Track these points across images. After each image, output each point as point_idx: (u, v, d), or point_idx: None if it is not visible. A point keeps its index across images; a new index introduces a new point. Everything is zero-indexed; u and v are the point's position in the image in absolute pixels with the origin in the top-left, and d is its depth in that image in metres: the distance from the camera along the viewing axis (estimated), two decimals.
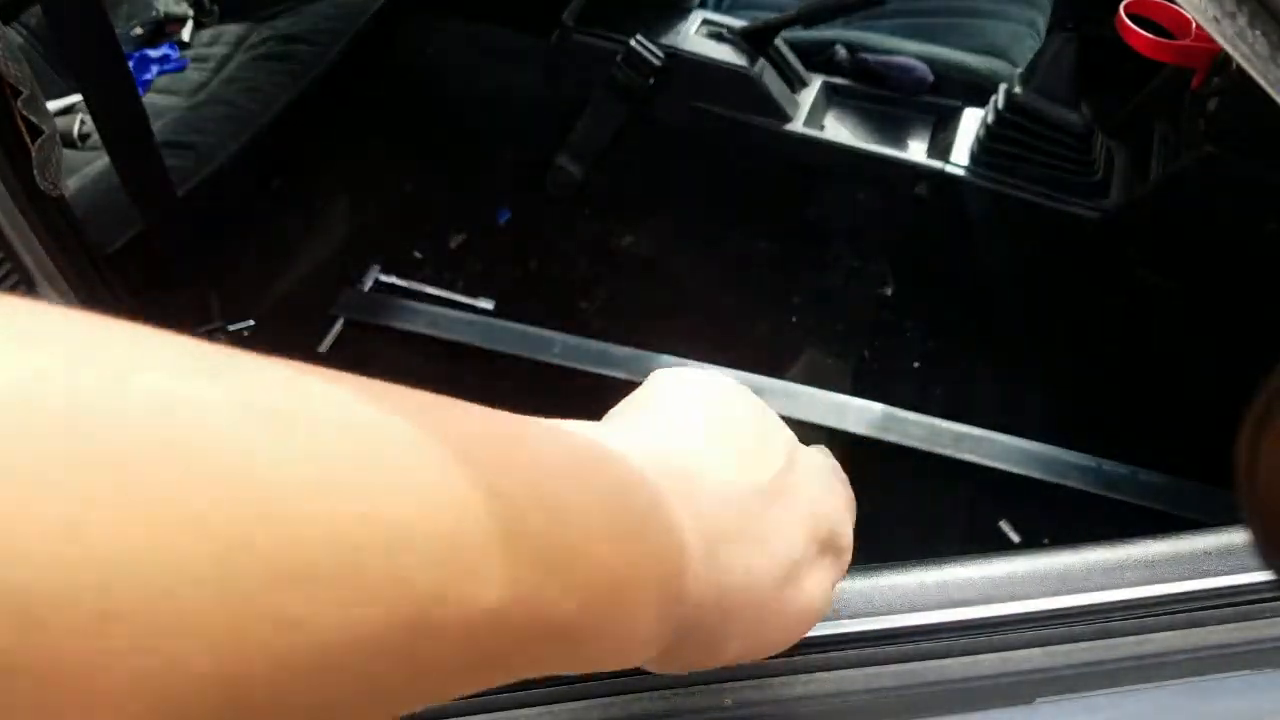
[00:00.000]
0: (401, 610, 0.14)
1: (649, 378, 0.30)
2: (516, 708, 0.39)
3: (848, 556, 0.31)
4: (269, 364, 0.14)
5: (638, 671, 0.41)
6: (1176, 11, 0.98)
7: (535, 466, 0.19)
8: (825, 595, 0.29)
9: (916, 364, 1.11)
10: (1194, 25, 0.97)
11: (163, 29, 1.30)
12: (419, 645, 0.15)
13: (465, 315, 1.16)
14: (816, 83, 1.18)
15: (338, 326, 1.16)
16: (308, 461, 0.13)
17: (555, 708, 0.40)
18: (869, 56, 1.16)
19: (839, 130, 1.16)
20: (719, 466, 0.25)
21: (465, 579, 0.15)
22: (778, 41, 1.14)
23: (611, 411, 0.27)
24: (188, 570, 0.12)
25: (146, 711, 0.11)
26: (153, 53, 1.27)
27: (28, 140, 0.75)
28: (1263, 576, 0.41)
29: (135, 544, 0.11)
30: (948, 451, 0.99)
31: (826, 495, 0.31)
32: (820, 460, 0.33)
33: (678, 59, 1.13)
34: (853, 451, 1.02)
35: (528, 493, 0.18)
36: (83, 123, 1.12)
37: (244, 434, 0.13)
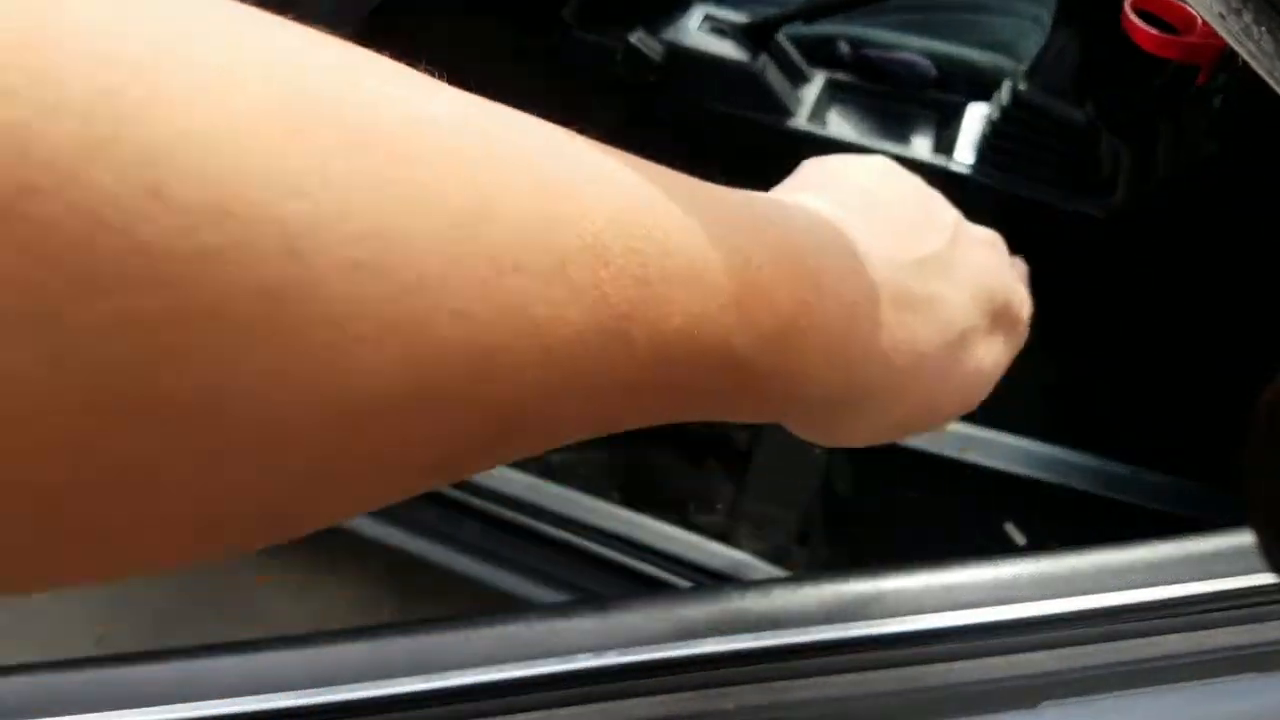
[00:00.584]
0: (598, 317, 0.16)
1: (800, 166, 0.32)
2: (517, 712, 0.39)
3: (1023, 329, 0.32)
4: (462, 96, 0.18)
5: (640, 674, 0.40)
6: (1182, 8, 0.97)
7: (721, 207, 0.21)
8: (997, 364, 0.32)
9: None
10: (1199, 21, 0.96)
11: None
12: (610, 353, 0.17)
13: None
14: (819, 78, 1.17)
15: None
16: (525, 171, 0.16)
17: (553, 712, 0.40)
18: (872, 52, 1.16)
19: (842, 126, 1.15)
20: (882, 238, 0.26)
21: (656, 302, 0.17)
22: (780, 37, 1.14)
23: (766, 194, 0.28)
24: (431, 242, 0.13)
25: (397, 360, 0.13)
26: None
27: None
28: (1270, 578, 0.41)
29: (390, 215, 0.13)
30: (952, 453, 0.98)
31: (995, 269, 0.33)
32: (987, 235, 0.35)
33: (679, 55, 1.13)
34: (855, 453, 1.02)
35: (715, 233, 0.19)
36: None
37: (472, 143, 0.16)
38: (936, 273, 0.27)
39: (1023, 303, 0.33)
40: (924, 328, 0.26)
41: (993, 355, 0.30)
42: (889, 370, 0.25)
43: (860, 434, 0.28)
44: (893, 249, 0.26)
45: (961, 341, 0.28)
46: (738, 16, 1.14)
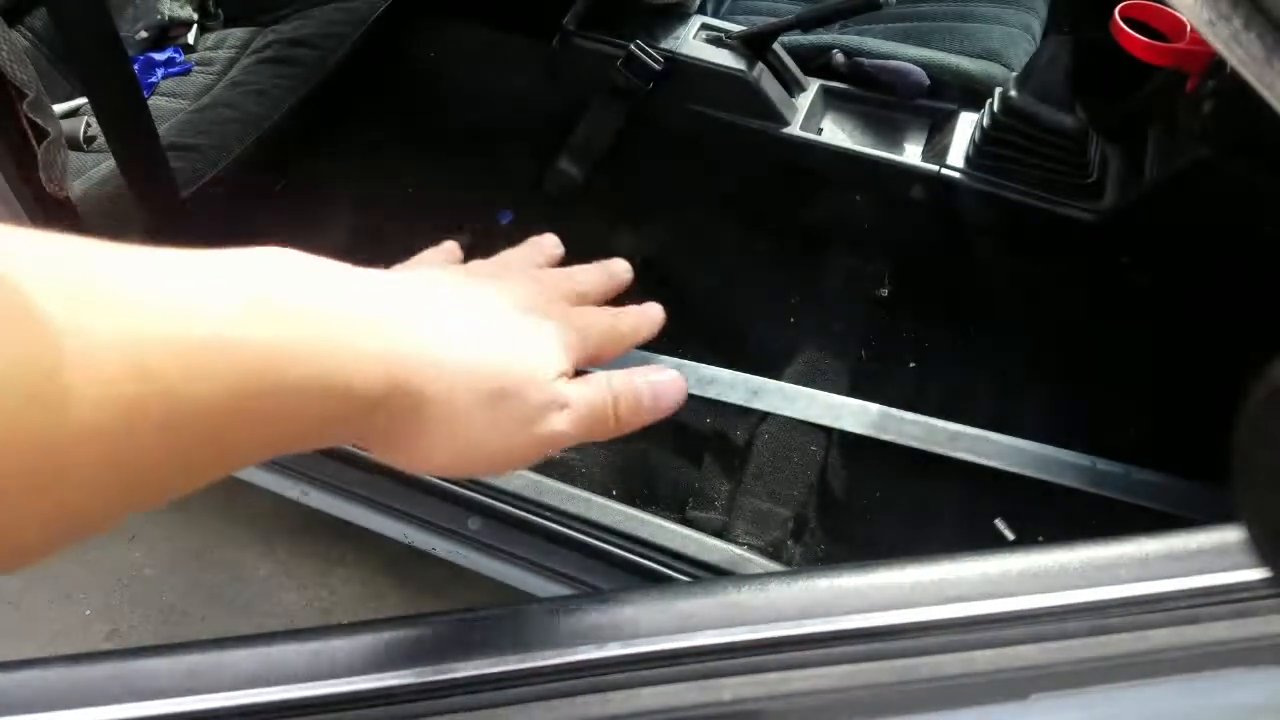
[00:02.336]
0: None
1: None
2: (520, 703, 0.40)
3: (578, 409, 0.32)
4: None
5: (637, 666, 0.41)
6: (1172, 15, 0.98)
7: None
8: (535, 438, 0.31)
9: (913, 364, 1.11)
10: (1189, 29, 0.98)
11: (167, 33, 1.31)
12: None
13: None
14: (814, 87, 1.18)
15: None
16: None
17: (555, 703, 0.40)
18: (866, 61, 1.17)
19: (836, 134, 1.16)
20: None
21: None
22: (776, 46, 1.15)
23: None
24: None
25: None
26: (158, 56, 1.27)
27: (33, 143, 0.75)
28: (1257, 574, 0.42)
29: None
30: (943, 450, 0.99)
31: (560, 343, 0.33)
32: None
33: (677, 63, 1.14)
34: (850, 451, 1.03)
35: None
36: (88, 125, 1.13)
37: None
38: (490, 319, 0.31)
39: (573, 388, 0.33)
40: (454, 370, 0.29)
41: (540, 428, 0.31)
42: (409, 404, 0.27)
43: (391, 457, 0.30)
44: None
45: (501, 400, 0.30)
46: (735, 26, 1.15)
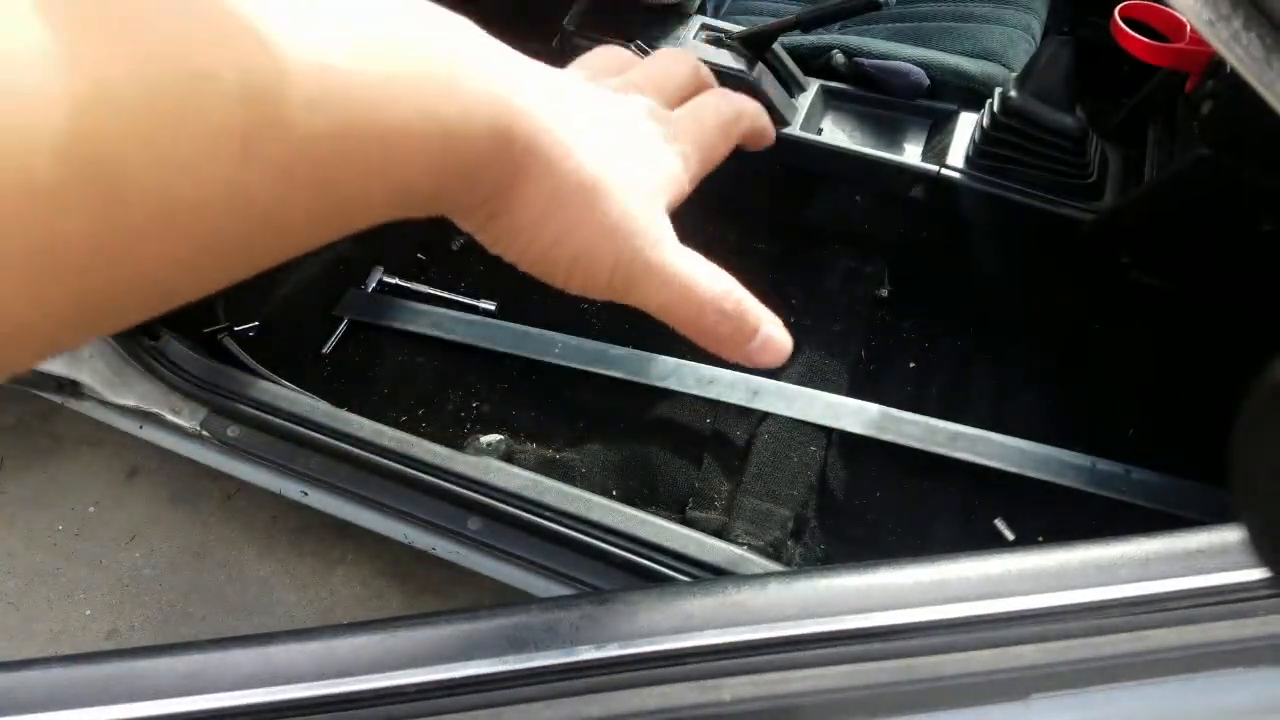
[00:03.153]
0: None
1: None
2: (521, 702, 0.40)
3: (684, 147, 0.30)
4: None
5: (636, 666, 0.41)
6: (1171, 15, 0.99)
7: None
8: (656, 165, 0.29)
9: (912, 364, 1.11)
10: (1188, 29, 0.98)
11: None
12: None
13: (468, 316, 1.16)
14: (814, 87, 1.18)
15: (342, 327, 1.16)
16: None
17: (555, 703, 0.40)
18: (866, 61, 1.17)
19: (836, 134, 1.16)
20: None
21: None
22: (776, 47, 1.15)
23: None
24: None
25: None
26: None
27: None
28: (1257, 574, 0.42)
29: None
30: (943, 450, 0.99)
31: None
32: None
33: None
34: (849, 451, 1.03)
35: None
36: None
37: None
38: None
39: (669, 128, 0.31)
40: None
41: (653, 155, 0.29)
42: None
43: (502, 242, 0.27)
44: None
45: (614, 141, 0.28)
46: (735, 26, 1.15)
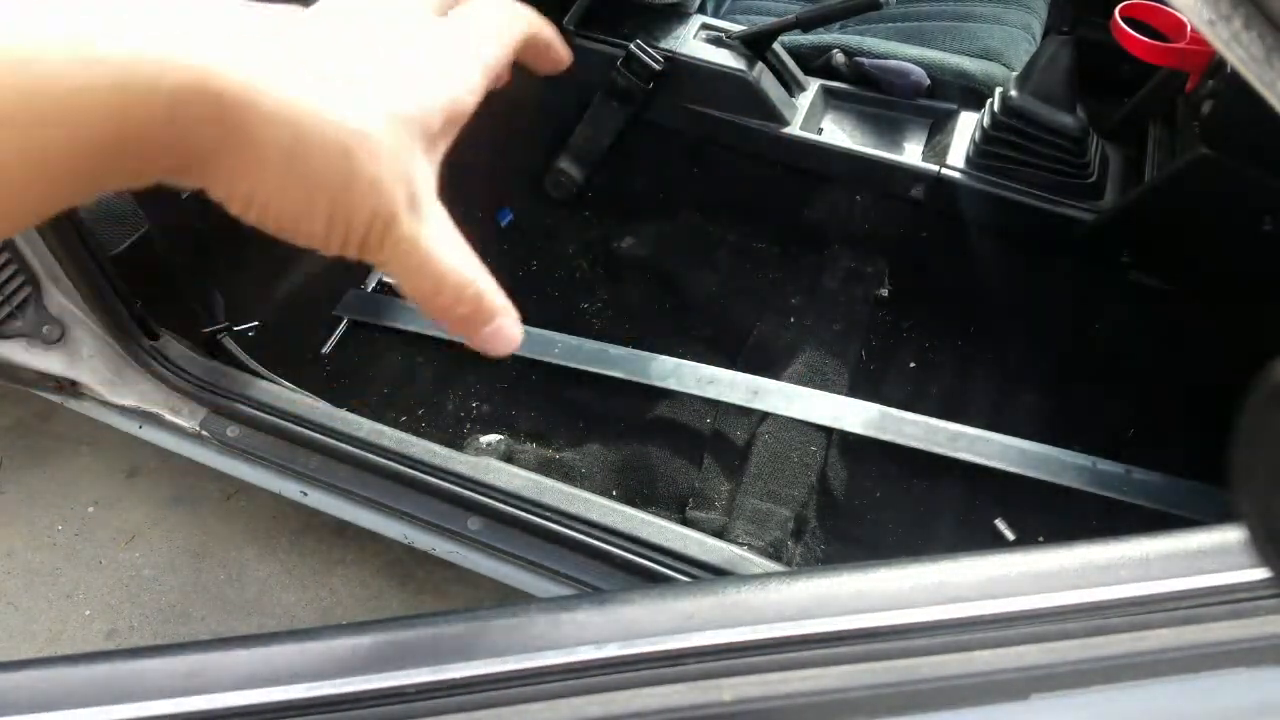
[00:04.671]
0: None
1: None
2: (521, 703, 0.40)
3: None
4: None
5: (636, 666, 0.41)
6: (1171, 15, 0.99)
7: None
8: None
9: (912, 364, 1.11)
10: (1189, 29, 0.98)
11: None
12: None
13: None
14: (814, 87, 1.18)
15: (342, 327, 1.16)
16: None
17: (555, 703, 0.40)
18: (866, 61, 1.17)
19: (836, 134, 1.16)
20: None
21: None
22: (776, 46, 1.15)
23: None
24: None
25: None
26: None
27: None
28: (1257, 574, 0.41)
29: None
30: (943, 450, 0.99)
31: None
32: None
33: (677, 63, 1.14)
34: (850, 451, 1.03)
35: None
36: None
37: None
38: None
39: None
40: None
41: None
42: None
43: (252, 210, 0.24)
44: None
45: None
46: (735, 26, 1.15)
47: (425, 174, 0.26)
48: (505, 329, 0.29)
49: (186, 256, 1.05)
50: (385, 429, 0.92)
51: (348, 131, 0.24)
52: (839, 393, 1.05)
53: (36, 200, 0.21)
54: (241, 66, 0.22)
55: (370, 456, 0.90)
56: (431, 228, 0.27)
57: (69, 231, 0.88)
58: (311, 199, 0.24)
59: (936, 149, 1.12)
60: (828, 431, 1.02)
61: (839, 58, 1.19)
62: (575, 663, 0.41)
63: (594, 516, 0.84)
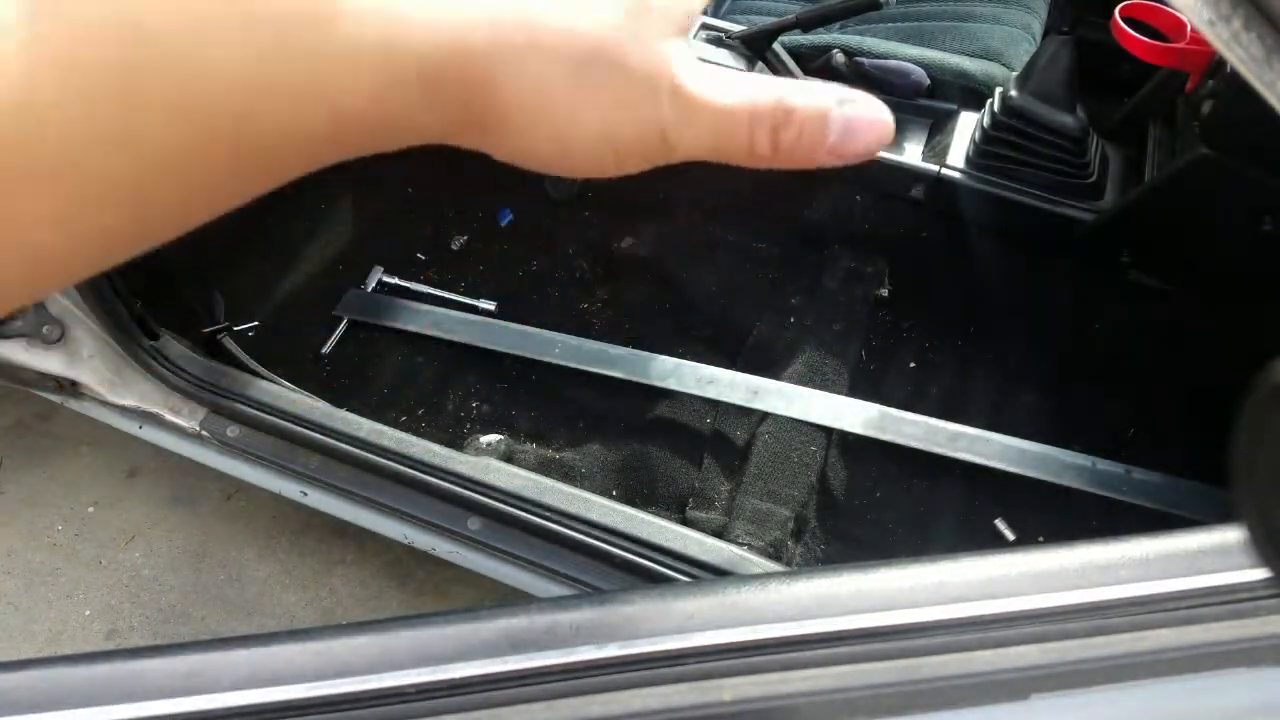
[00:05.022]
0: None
1: None
2: (521, 703, 0.40)
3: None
4: None
5: (636, 666, 0.41)
6: (1171, 15, 0.99)
7: None
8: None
9: (912, 364, 1.11)
10: (1189, 29, 0.98)
11: None
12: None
13: (467, 316, 1.16)
14: None
15: (342, 327, 1.16)
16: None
17: (555, 703, 0.40)
18: (866, 61, 1.17)
19: None
20: None
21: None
22: (776, 46, 1.15)
23: None
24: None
25: None
26: None
27: None
28: (1257, 574, 0.42)
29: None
30: (943, 451, 0.99)
31: None
32: None
33: None
34: (850, 451, 1.03)
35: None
36: None
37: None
38: None
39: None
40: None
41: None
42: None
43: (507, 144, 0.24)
44: None
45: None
46: (735, 26, 1.15)
47: (679, 54, 0.24)
48: (855, 119, 0.25)
49: (186, 256, 1.05)
50: (385, 429, 0.92)
51: (594, 45, 0.23)
52: (839, 393, 1.05)
53: (303, 158, 0.21)
54: (471, 40, 0.22)
55: (370, 456, 0.90)
56: (711, 86, 0.24)
57: None
58: (574, 124, 0.23)
59: (936, 149, 1.12)
60: (828, 431, 1.02)
61: (839, 58, 1.19)
62: (575, 663, 0.41)
63: (594, 516, 0.84)
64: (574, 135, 0.23)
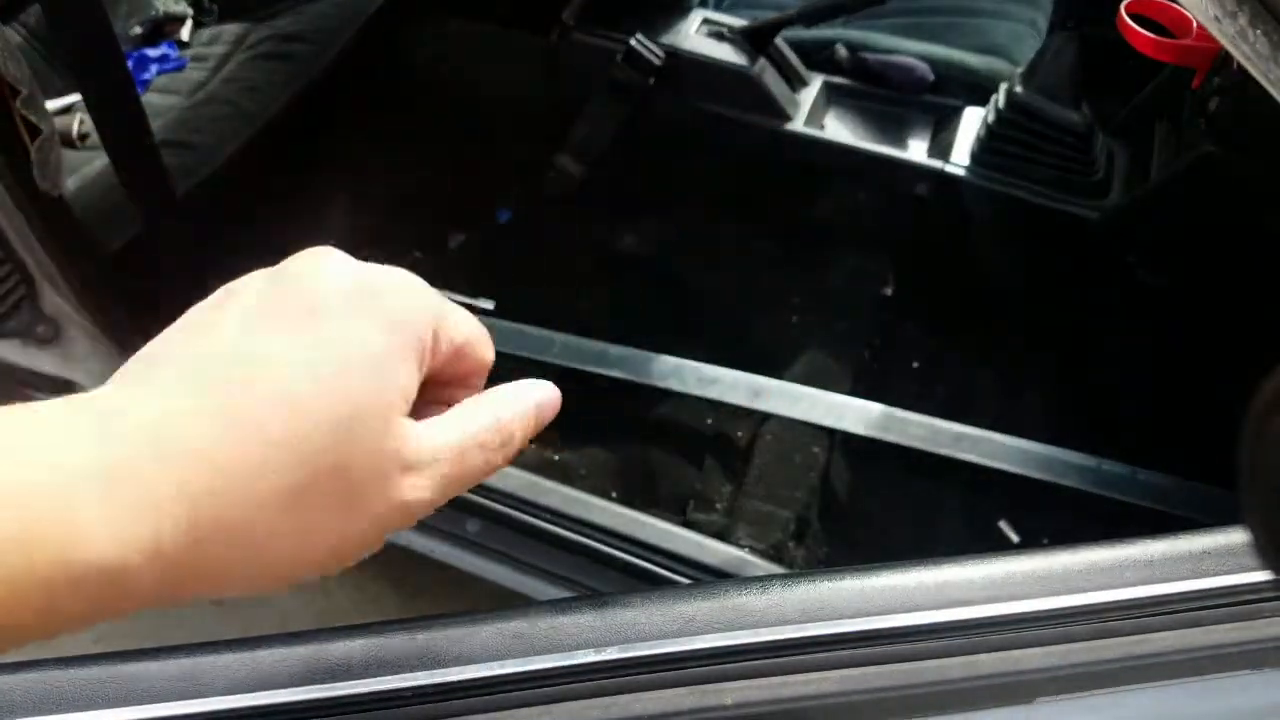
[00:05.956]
0: None
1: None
2: (518, 707, 0.40)
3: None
4: None
5: (636, 669, 0.41)
6: (1178, 11, 0.98)
7: None
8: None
9: (916, 364, 1.11)
10: (1195, 25, 0.97)
11: (162, 28, 1.30)
12: None
13: None
14: (817, 82, 1.18)
15: None
16: None
17: (553, 708, 0.40)
18: (869, 56, 1.16)
19: (839, 130, 1.16)
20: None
21: None
22: (778, 41, 1.15)
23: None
24: None
25: None
26: (152, 52, 1.27)
27: (27, 140, 0.75)
28: (1262, 576, 0.41)
29: None
30: (947, 451, 0.99)
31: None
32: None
33: (678, 58, 1.13)
34: (852, 452, 1.02)
35: None
36: (82, 122, 1.12)
37: None
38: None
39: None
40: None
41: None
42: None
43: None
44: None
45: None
46: (736, 20, 1.15)
47: (398, 434, 0.24)
48: (545, 404, 0.27)
49: (180, 255, 1.05)
50: None
51: (281, 497, 0.22)
52: (842, 393, 1.05)
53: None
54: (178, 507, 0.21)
55: None
56: (431, 440, 0.24)
57: (63, 229, 0.87)
58: (305, 548, 0.24)
59: (941, 146, 1.11)
60: (830, 432, 1.01)
61: (842, 53, 1.18)
62: (574, 666, 0.40)
63: (594, 518, 0.84)
64: (293, 565, 0.24)
